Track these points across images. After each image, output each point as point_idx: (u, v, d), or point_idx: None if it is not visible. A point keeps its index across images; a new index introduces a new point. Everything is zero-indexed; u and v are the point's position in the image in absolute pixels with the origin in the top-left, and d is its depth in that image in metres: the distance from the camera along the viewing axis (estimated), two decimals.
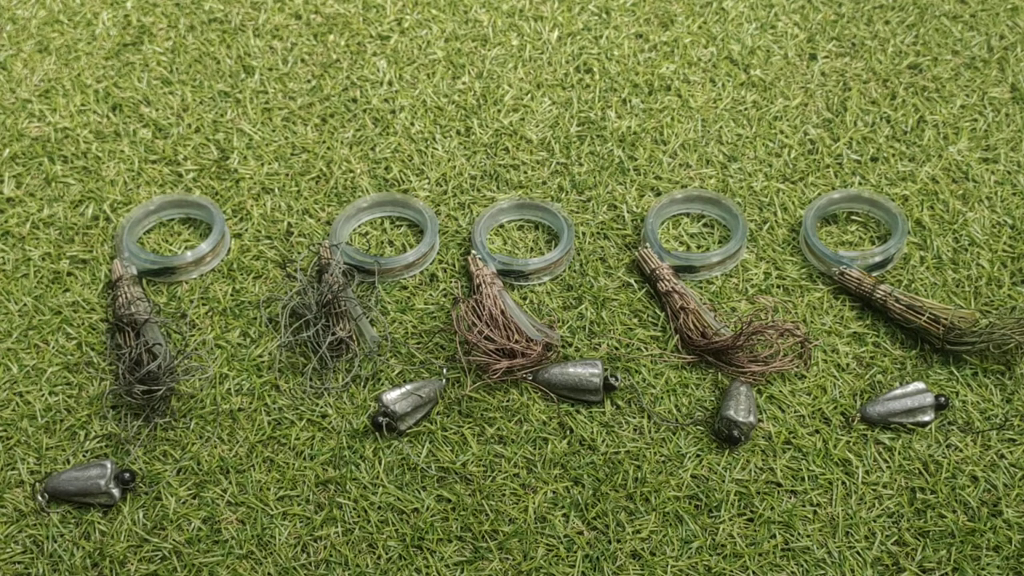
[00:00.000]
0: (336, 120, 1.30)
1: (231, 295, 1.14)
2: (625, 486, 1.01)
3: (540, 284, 1.15)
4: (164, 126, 1.29)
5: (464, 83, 1.33)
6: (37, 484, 1.01)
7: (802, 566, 0.97)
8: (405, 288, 1.15)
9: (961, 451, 1.03)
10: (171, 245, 1.19)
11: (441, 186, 1.24)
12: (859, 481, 1.01)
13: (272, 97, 1.32)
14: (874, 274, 1.14)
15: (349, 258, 1.15)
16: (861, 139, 1.27)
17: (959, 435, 1.04)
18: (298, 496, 1.01)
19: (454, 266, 1.17)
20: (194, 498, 1.01)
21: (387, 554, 0.98)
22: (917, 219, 1.20)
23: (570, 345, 1.10)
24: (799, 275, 1.16)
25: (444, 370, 1.08)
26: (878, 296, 1.11)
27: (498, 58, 1.36)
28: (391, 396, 1.03)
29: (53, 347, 1.11)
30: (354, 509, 1.00)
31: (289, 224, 1.20)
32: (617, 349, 1.10)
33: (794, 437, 1.04)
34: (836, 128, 1.28)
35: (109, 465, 1.00)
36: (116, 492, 1.00)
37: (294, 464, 1.03)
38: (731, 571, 0.97)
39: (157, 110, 1.31)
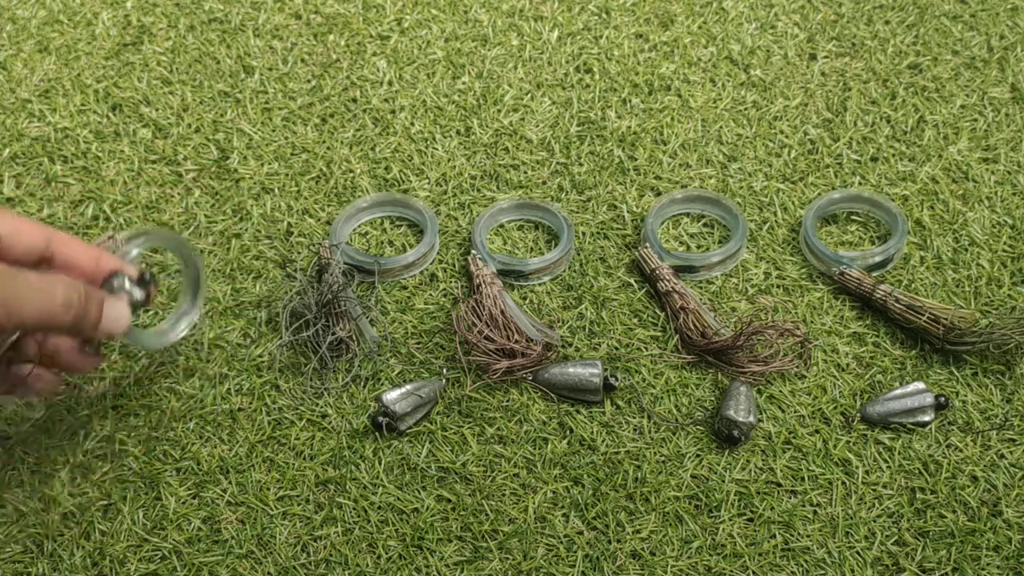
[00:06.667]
0: (336, 120, 1.30)
1: (231, 295, 1.14)
2: (625, 486, 1.01)
3: (540, 284, 1.15)
4: (164, 126, 1.29)
5: (464, 83, 1.33)
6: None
7: (802, 566, 0.97)
8: (405, 288, 1.15)
9: (961, 451, 1.03)
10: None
11: (441, 186, 1.24)
12: (859, 481, 1.01)
13: (272, 97, 1.32)
14: (874, 274, 1.14)
15: (349, 258, 1.15)
16: (861, 139, 1.27)
17: (959, 435, 1.04)
18: (298, 496, 1.01)
19: (454, 266, 1.17)
20: (194, 498, 1.01)
21: (387, 554, 0.98)
22: (917, 219, 1.20)
23: (570, 345, 1.10)
24: (799, 275, 1.16)
25: (444, 370, 1.08)
26: (878, 296, 1.11)
27: (498, 58, 1.36)
28: (391, 396, 1.03)
29: None
30: (354, 509, 1.00)
31: (289, 224, 1.20)
32: (617, 349, 1.10)
33: (794, 437, 1.04)
34: (836, 128, 1.28)
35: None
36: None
37: (294, 464, 1.03)
38: (731, 571, 0.97)
39: (157, 110, 1.31)
